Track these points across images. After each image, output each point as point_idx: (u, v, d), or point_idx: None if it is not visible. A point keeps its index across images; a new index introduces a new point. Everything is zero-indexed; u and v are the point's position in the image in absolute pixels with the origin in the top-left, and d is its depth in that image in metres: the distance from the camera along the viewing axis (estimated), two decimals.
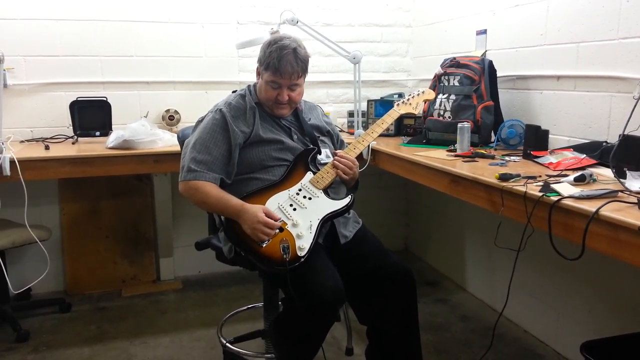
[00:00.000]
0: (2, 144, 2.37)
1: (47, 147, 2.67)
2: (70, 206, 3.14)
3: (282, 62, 1.88)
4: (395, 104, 2.23)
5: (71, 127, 2.90)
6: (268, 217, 1.75)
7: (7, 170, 2.34)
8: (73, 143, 2.84)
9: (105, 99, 2.93)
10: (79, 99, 2.89)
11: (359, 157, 2.07)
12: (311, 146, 1.99)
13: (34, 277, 2.73)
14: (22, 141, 2.89)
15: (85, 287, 3.18)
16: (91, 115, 2.88)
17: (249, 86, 2.06)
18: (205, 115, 2.01)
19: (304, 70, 1.95)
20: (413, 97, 2.26)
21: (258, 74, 2.00)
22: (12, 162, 2.35)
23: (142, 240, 3.28)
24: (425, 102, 2.63)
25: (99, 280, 3.20)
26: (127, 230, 3.25)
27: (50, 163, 2.50)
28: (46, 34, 2.95)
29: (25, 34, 2.91)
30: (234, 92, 2.08)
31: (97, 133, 2.87)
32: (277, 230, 1.76)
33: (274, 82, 1.92)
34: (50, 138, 2.94)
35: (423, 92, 2.30)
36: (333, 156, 1.99)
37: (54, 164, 2.50)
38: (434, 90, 2.50)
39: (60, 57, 2.99)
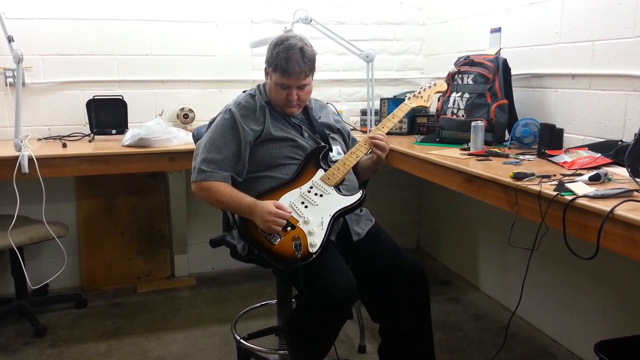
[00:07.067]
0: (21, 141, 2.41)
1: (64, 145, 2.71)
2: (86, 203, 3.18)
3: (290, 62, 1.88)
4: (407, 97, 2.18)
5: (88, 125, 2.95)
6: (279, 209, 1.77)
7: (25, 168, 2.38)
8: (90, 141, 2.88)
9: (121, 97, 2.97)
10: (95, 97, 2.93)
11: None
12: (322, 144, 2.01)
13: (52, 273, 2.78)
14: (39, 139, 2.93)
15: (101, 283, 3.23)
16: (107, 114, 2.92)
17: (258, 85, 2.08)
18: (216, 116, 2.03)
19: (312, 69, 1.96)
20: (425, 89, 2.21)
21: (266, 74, 2.01)
22: (30, 159, 2.39)
23: (156, 237, 3.32)
24: (439, 98, 2.62)
25: (115, 277, 3.25)
26: (143, 227, 3.29)
27: (67, 161, 2.53)
28: (63, 34, 2.99)
29: (42, 33, 2.95)
30: (244, 92, 2.10)
31: (113, 131, 2.91)
32: (289, 228, 1.78)
33: (282, 83, 1.93)
34: (67, 136, 2.98)
35: (435, 84, 2.25)
36: (345, 152, 2.00)
37: (71, 162, 2.54)
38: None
39: (76, 56, 3.03)
